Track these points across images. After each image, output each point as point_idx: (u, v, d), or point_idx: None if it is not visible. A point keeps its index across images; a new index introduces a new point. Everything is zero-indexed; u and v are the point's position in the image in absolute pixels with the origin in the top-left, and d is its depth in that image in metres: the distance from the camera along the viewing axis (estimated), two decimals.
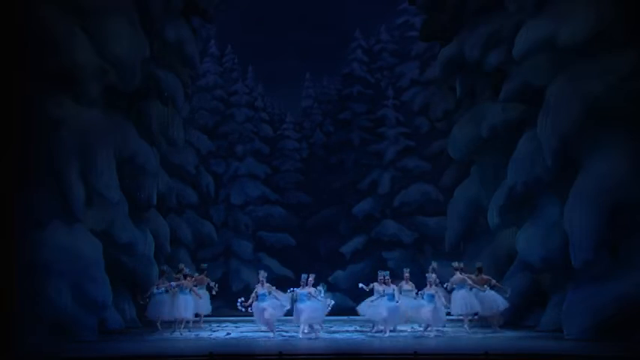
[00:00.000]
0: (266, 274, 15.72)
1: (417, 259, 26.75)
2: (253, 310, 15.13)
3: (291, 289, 15.04)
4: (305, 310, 14.69)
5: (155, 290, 16.18)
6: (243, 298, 15.11)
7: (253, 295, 15.13)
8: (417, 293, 15.92)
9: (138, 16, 17.53)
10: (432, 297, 15.14)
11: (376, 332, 15.75)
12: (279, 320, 17.88)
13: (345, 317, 18.12)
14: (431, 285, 15.34)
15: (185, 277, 16.50)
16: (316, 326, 15.05)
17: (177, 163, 24.69)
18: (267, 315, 14.85)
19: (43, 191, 15.07)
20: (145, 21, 18.09)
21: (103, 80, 16.35)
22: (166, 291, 16.01)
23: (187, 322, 16.35)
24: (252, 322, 17.31)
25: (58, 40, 15.23)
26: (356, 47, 33.52)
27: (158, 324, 16.07)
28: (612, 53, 14.39)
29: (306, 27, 34.68)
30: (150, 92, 19.55)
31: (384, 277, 15.73)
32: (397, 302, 15.30)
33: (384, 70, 33.07)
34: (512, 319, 17.12)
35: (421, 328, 16.48)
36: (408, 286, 16.55)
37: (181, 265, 17.37)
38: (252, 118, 31.80)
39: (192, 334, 15.65)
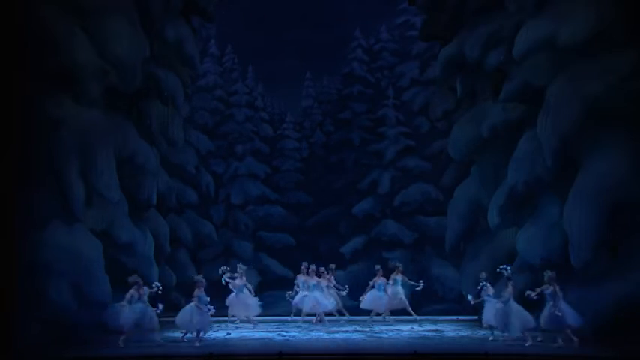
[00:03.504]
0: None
1: (418, 259, 26.76)
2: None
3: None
4: None
5: None
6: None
7: None
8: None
9: (138, 16, 17.54)
10: None
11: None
12: (279, 320, 17.95)
13: (345, 317, 18.11)
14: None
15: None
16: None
17: (177, 163, 24.68)
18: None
19: (44, 191, 15.08)
20: (145, 21, 18.09)
21: (103, 80, 16.36)
22: None
23: None
24: (251, 322, 17.34)
25: (58, 40, 15.24)
26: (356, 47, 33.51)
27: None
28: (612, 53, 14.40)
29: (306, 26, 34.62)
30: (150, 92, 19.54)
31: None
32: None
33: (384, 69, 33.05)
34: None
35: (421, 328, 16.51)
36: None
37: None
38: (252, 118, 31.80)
39: (193, 334, 15.63)
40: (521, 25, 16.06)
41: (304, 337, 15.02)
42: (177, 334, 14.91)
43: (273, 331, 16.05)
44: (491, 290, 14.76)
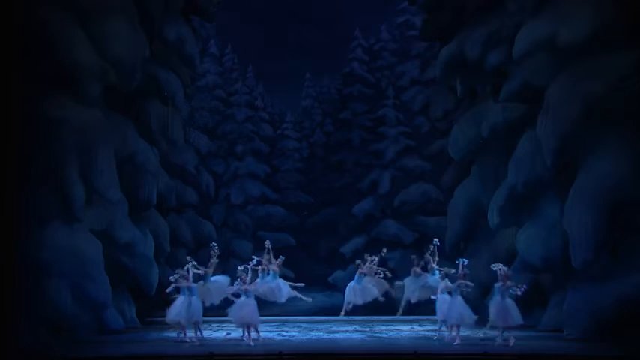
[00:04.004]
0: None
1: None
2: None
3: None
4: None
5: None
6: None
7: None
8: None
9: (138, 15, 17.52)
10: None
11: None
12: (279, 320, 17.96)
13: (345, 317, 18.09)
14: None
15: None
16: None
17: (177, 163, 24.68)
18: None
19: (43, 191, 15.06)
20: (145, 21, 18.08)
21: (103, 80, 16.35)
22: None
23: None
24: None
25: (58, 40, 15.22)
26: (356, 46, 33.53)
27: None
28: (612, 53, 14.38)
29: (306, 26, 34.67)
30: (150, 92, 19.55)
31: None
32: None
33: (384, 69, 33.07)
34: None
35: (421, 328, 16.53)
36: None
37: None
38: (252, 117, 31.83)
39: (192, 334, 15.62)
40: (521, 25, 16.06)
41: (304, 337, 15.02)
42: (174, 334, 14.93)
43: (273, 331, 16.05)
44: (445, 285, 14.61)
